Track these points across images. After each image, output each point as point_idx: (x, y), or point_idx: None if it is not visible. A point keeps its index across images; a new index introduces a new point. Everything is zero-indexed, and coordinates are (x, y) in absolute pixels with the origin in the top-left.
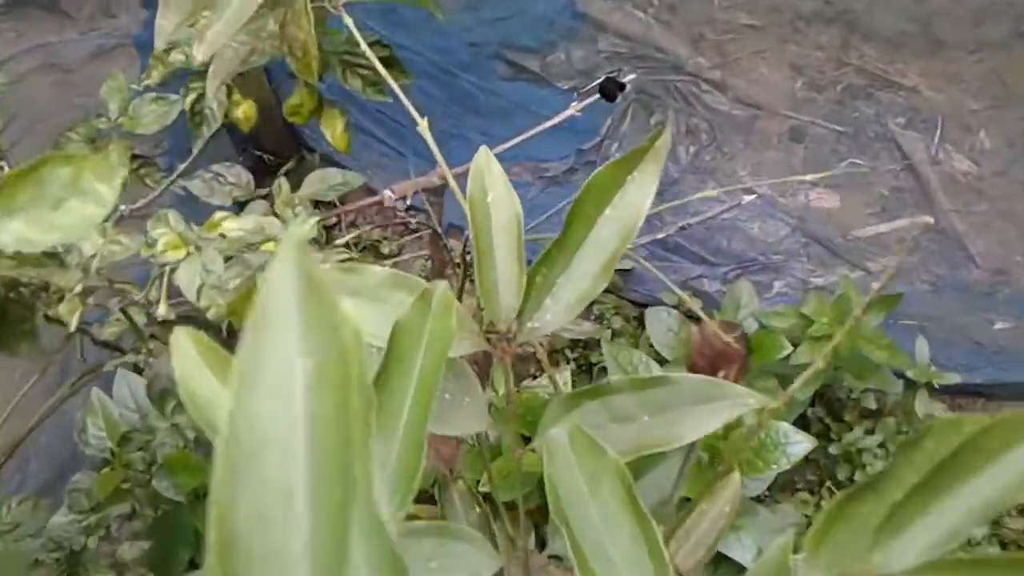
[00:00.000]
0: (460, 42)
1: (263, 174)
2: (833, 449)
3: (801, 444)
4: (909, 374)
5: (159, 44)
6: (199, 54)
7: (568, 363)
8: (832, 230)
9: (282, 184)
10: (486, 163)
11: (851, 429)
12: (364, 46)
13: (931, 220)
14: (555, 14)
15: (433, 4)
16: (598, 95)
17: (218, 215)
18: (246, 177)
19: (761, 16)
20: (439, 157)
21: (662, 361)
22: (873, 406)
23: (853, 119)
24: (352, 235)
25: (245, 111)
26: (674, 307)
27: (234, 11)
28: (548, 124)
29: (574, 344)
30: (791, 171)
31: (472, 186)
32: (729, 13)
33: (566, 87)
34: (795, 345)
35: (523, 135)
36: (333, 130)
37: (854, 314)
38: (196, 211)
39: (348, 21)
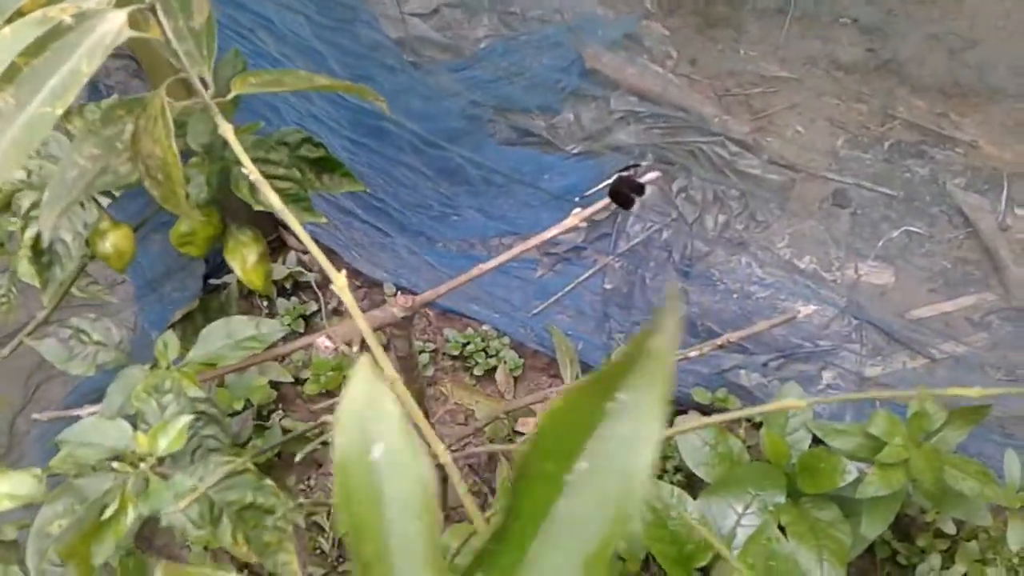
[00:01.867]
0: (451, 107)
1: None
2: None
3: None
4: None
5: None
6: None
7: None
8: (887, 310)
9: (168, 342)
10: (369, 383)
11: (923, 554)
12: (246, 162)
13: (1002, 295)
14: (561, 72)
15: (373, 95)
16: (608, 200)
17: None
18: (119, 335)
19: (794, 67)
20: (357, 312)
21: (696, 484)
22: (952, 530)
23: (905, 180)
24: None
25: (116, 243)
26: (707, 410)
27: (22, 134)
28: (548, 233)
29: None
30: (836, 241)
31: (345, 437)
32: (757, 64)
33: (575, 151)
34: (857, 460)
35: (520, 248)
36: (242, 262)
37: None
38: None
39: (229, 135)
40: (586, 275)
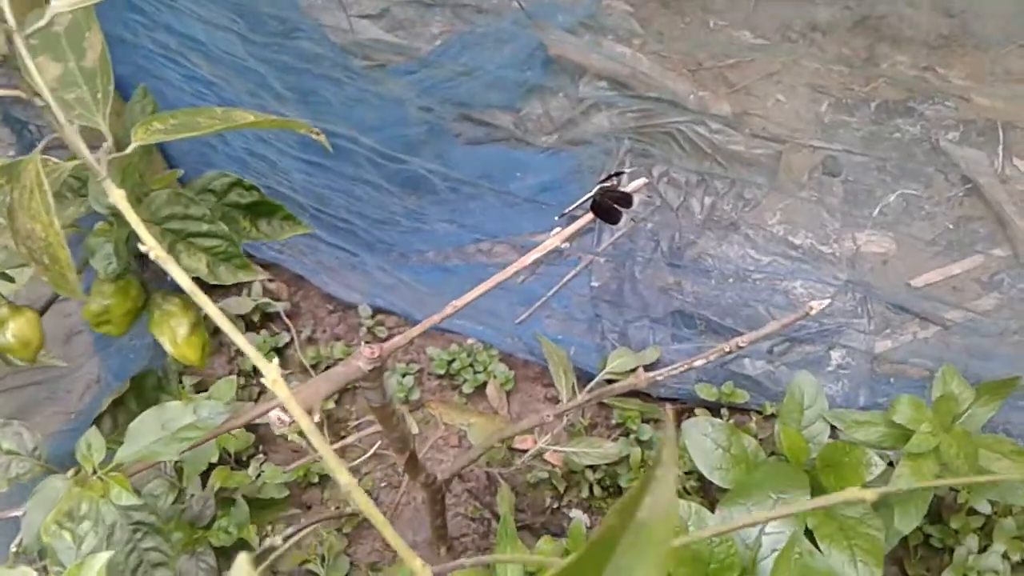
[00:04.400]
0: (408, 114)
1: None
2: None
3: None
4: None
5: None
6: None
7: (590, 487)
8: (891, 280)
9: (92, 443)
10: None
11: (957, 535)
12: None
13: (1010, 252)
14: (523, 63)
15: (306, 128)
16: (591, 216)
17: None
18: (32, 440)
19: (768, 32)
20: (291, 401)
21: (710, 489)
22: (987, 509)
23: (896, 141)
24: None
25: (19, 332)
26: (715, 406)
27: None
28: (529, 258)
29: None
30: (830, 213)
31: None
32: (729, 34)
33: (547, 145)
34: (882, 449)
35: (499, 277)
36: (171, 336)
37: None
38: None
39: (120, 202)
40: (571, 275)
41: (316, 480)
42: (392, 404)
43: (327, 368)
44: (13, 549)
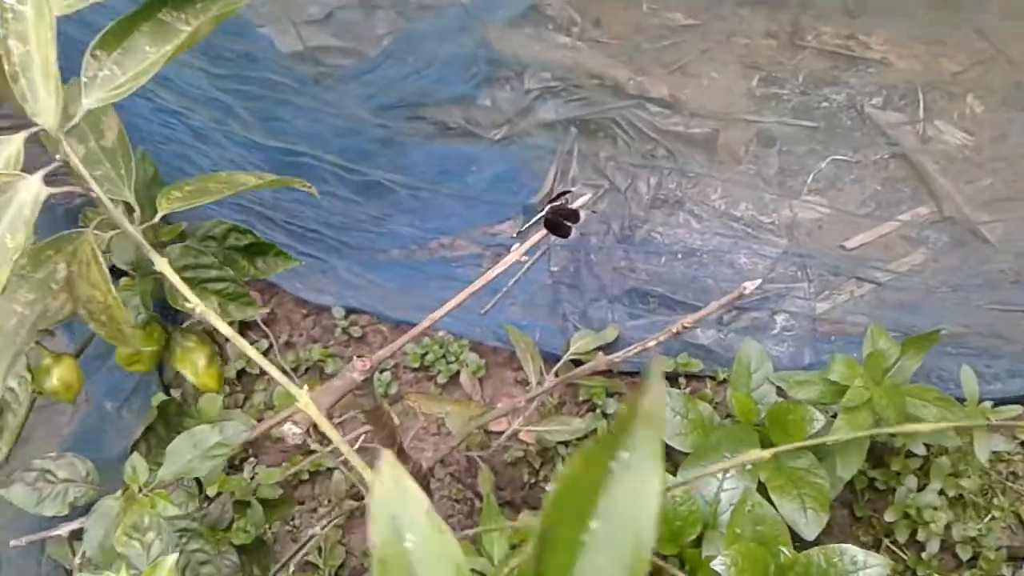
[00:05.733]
0: (365, 122)
1: None
2: (889, 516)
3: (874, 568)
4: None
5: None
6: None
7: (563, 462)
8: (827, 243)
9: (136, 466)
10: (396, 492)
11: (899, 477)
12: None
13: (934, 208)
14: (469, 58)
15: (300, 183)
16: (545, 232)
17: None
18: (84, 468)
19: (697, 12)
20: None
21: (672, 454)
22: (923, 450)
23: (824, 110)
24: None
25: (63, 377)
26: (672, 376)
27: None
28: (492, 273)
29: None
30: (767, 183)
31: (379, 533)
32: (661, 16)
33: (498, 137)
34: (825, 406)
35: (467, 292)
36: (193, 369)
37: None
38: None
39: (165, 269)
40: (530, 263)
41: (306, 477)
42: (382, 407)
43: (307, 370)
44: (77, 561)
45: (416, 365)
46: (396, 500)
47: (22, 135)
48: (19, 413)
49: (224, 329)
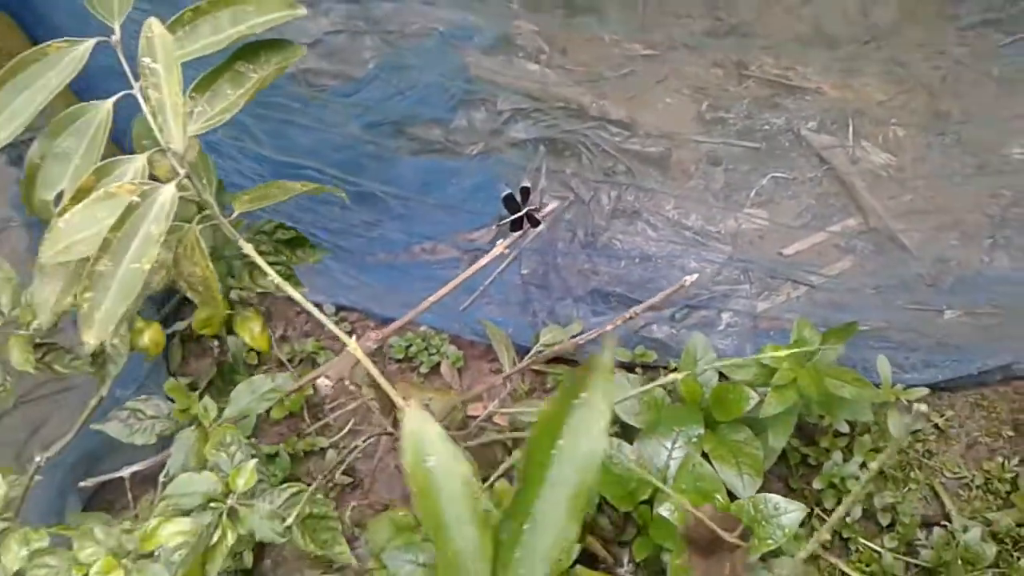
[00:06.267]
0: (358, 139)
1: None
2: (817, 484)
3: (793, 513)
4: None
5: (44, 321)
6: (89, 338)
7: None
8: (767, 250)
9: (208, 407)
10: (421, 426)
11: (827, 452)
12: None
13: (861, 220)
14: (448, 81)
15: (335, 190)
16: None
17: (152, 522)
18: (166, 407)
19: (655, 44)
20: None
21: (629, 430)
22: (846, 428)
23: (765, 132)
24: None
25: (152, 337)
26: (630, 366)
27: (120, 288)
28: (482, 263)
29: None
30: (715, 197)
31: (409, 456)
32: (622, 47)
33: (475, 153)
34: (756, 386)
35: (450, 285)
36: (251, 333)
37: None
38: None
39: (251, 253)
40: (503, 265)
41: (302, 455)
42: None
43: (301, 361)
44: (163, 479)
45: (400, 356)
46: (421, 432)
47: (145, 155)
48: (119, 363)
49: (296, 296)
